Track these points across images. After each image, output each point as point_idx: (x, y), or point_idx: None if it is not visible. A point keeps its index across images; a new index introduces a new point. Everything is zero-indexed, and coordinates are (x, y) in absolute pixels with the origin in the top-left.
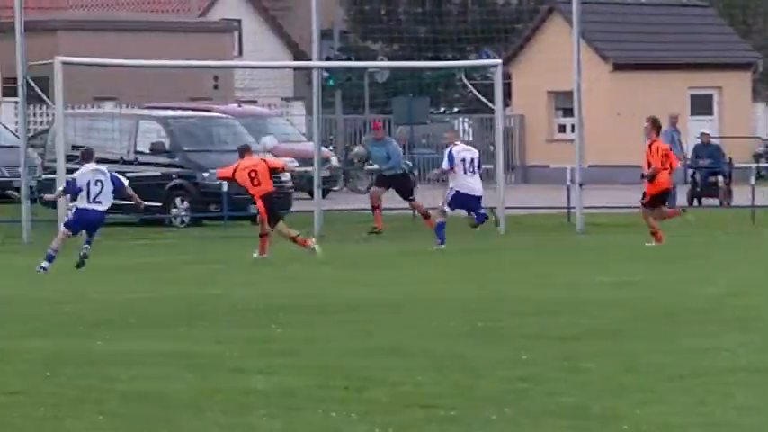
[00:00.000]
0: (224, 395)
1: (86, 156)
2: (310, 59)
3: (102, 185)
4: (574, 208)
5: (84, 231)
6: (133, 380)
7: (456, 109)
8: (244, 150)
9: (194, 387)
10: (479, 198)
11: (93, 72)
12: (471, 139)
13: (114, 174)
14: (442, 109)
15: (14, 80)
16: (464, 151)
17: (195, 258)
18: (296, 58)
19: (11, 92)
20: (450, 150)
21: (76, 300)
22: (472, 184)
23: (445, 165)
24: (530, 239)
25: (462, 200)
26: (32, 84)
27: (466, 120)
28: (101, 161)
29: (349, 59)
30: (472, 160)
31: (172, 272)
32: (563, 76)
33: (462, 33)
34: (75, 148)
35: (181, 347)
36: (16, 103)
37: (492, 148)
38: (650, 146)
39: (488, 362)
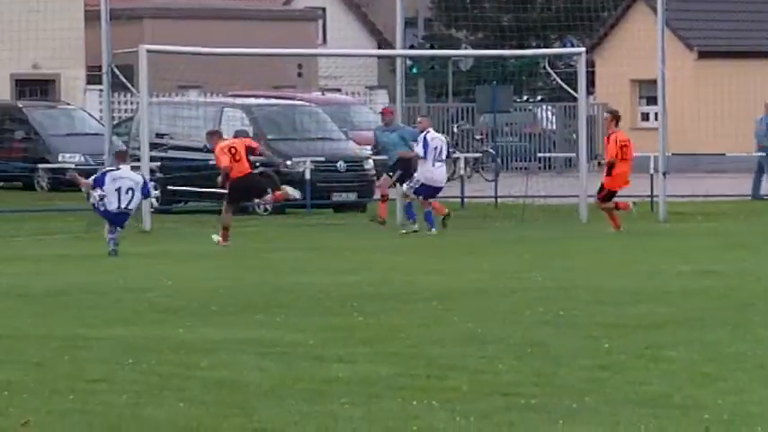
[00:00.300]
0: (304, 383)
1: (121, 157)
2: (394, 47)
3: (133, 194)
4: (657, 196)
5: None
6: (214, 367)
7: (539, 97)
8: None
9: (274, 375)
10: (440, 189)
11: (178, 60)
12: (554, 127)
13: (148, 184)
14: (525, 97)
15: (99, 68)
16: (436, 139)
17: (277, 246)
18: (380, 46)
19: (96, 80)
20: (425, 137)
21: (158, 287)
22: (439, 176)
23: (420, 152)
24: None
25: (427, 191)
26: (117, 72)
27: (549, 108)
28: (185, 149)
29: (433, 47)
30: (441, 149)
31: (253, 259)
32: (647, 64)
33: (546, 21)
34: (159, 136)
35: (261, 335)
36: (101, 90)
37: (575, 136)
38: (608, 137)
39: (568, 350)
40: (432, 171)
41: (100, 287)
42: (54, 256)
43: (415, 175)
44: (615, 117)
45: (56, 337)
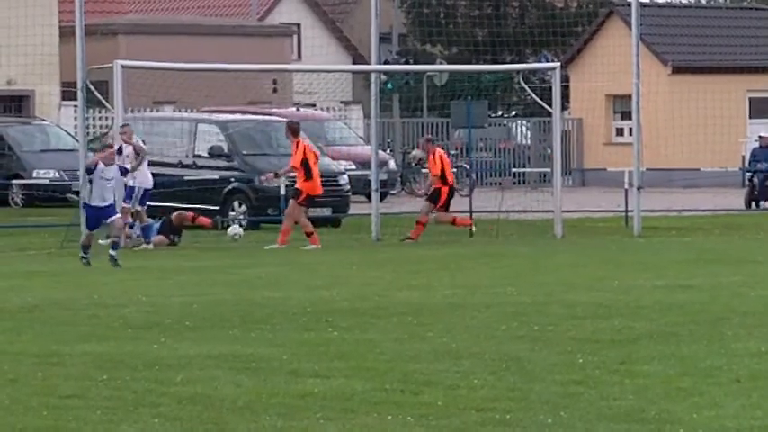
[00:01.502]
0: (279, 398)
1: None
2: (369, 63)
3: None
4: (631, 211)
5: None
6: (188, 383)
7: (514, 112)
8: None
9: (249, 390)
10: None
11: (153, 76)
12: (529, 142)
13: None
14: (500, 112)
15: (74, 84)
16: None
17: (252, 262)
18: (355, 62)
19: (70, 95)
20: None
21: (132, 303)
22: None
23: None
24: (586, 243)
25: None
26: (92, 87)
27: (524, 123)
28: (159, 165)
29: (408, 63)
30: None
31: (228, 275)
32: (622, 79)
33: (521, 36)
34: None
35: (236, 350)
36: (76, 106)
37: (549, 151)
38: (433, 155)
39: (543, 365)
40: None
41: (74, 303)
42: (28, 272)
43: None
44: (429, 142)
45: (30, 353)
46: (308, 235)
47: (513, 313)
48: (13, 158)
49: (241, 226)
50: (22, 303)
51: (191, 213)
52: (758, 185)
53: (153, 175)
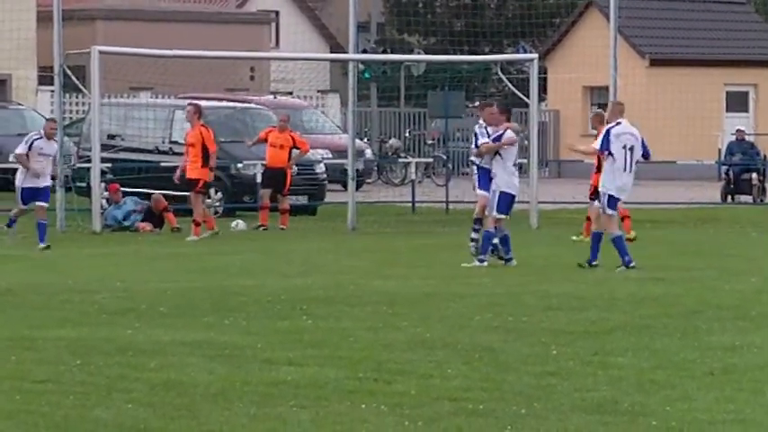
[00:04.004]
0: (252, 386)
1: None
2: (347, 52)
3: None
4: None
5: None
6: (161, 369)
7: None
8: None
9: (223, 377)
10: None
11: (130, 62)
12: None
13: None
14: (477, 103)
15: (51, 69)
16: None
17: (226, 249)
18: (332, 51)
19: (47, 80)
20: None
21: (106, 289)
22: None
23: None
24: (562, 234)
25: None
26: (69, 72)
27: None
28: (136, 151)
29: (385, 52)
30: None
31: (203, 262)
32: (599, 71)
33: (499, 27)
34: (110, 137)
35: (210, 338)
36: (52, 91)
37: (526, 142)
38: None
39: (517, 356)
40: None
41: (48, 288)
42: (2, 256)
43: None
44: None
45: (2, 337)
46: (197, 224)
47: (488, 304)
48: None
49: (216, 213)
50: None
51: (165, 203)
52: (734, 179)
53: (129, 161)
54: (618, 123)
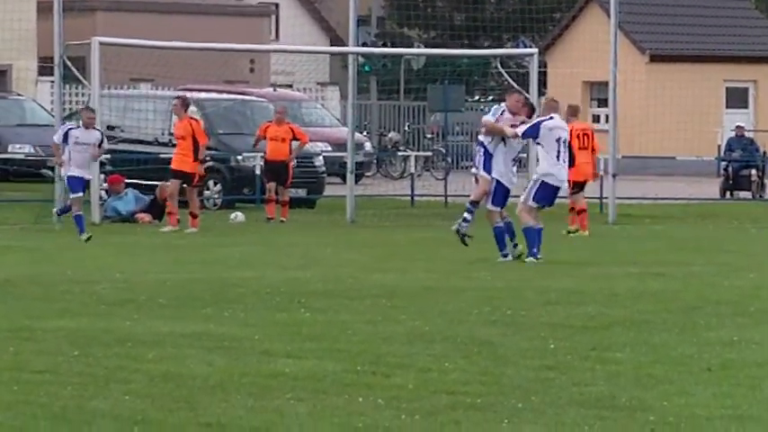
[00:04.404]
0: (250, 378)
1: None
2: (347, 44)
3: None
4: (606, 198)
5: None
6: (160, 360)
7: (491, 97)
8: None
9: (221, 369)
10: None
11: (131, 53)
12: None
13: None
14: (477, 97)
15: (51, 59)
16: None
17: (226, 241)
18: (332, 44)
19: (47, 71)
20: None
21: (105, 279)
22: None
23: None
24: (561, 228)
25: None
26: (69, 63)
27: None
28: (135, 142)
29: (385, 45)
30: None
31: (202, 254)
32: (599, 66)
33: (499, 21)
34: (110, 128)
35: (208, 329)
36: (52, 82)
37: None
38: None
39: (515, 350)
40: None
41: (47, 278)
42: (1, 247)
43: None
44: (572, 108)
45: (1, 328)
46: (194, 216)
47: (487, 298)
48: None
49: (215, 206)
50: None
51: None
52: (733, 175)
53: (129, 152)
54: (551, 118)
